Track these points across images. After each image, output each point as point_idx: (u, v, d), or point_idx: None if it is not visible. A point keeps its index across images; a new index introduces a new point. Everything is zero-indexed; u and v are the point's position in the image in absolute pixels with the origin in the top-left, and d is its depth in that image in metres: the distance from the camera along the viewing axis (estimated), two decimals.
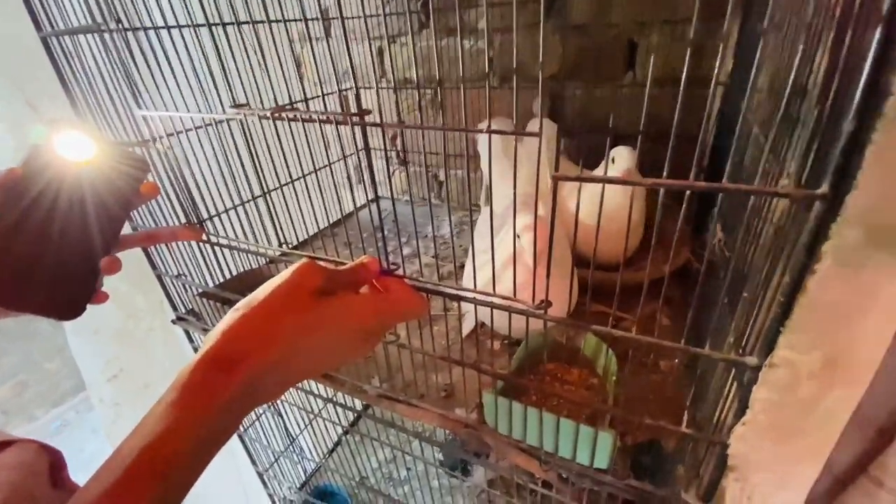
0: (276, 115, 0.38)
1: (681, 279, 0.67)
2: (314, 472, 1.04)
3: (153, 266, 0.72)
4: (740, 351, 0.34)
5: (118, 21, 0.46)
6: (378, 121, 0.37)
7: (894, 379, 0.50)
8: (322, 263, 0.36)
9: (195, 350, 0.81)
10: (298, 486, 1.02)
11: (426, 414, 0.53)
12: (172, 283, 0.74)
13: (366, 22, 0.99)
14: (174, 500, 0.27)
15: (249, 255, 0.68)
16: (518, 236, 0.49)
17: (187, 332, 0.80)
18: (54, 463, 0.40)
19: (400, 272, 0.42)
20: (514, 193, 0.37)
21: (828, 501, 0.58)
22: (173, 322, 0.76)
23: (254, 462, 0.97)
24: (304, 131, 0.46)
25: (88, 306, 0.41)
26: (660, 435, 0.46)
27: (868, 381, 0.31)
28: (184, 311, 0.76)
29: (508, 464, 0.58)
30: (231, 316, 0.32)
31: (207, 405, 0.28)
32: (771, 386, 0.32)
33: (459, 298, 0.42)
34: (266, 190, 0.51)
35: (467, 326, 0.64)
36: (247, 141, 0.44)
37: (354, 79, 0.39)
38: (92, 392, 0.88)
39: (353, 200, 0.89)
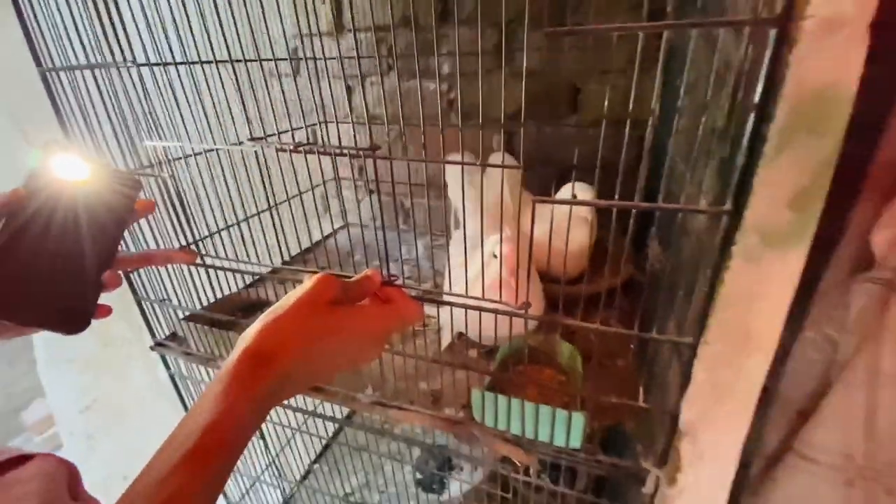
0: (294, 148, 0.44)
1: (626, 291, 0.78)
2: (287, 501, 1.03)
3: (133, 291, 0.73)
4: (679, 334, 0.44)
5: (133, 59, 0.50)
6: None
7: (809, 365, 0.62)
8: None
9: (171, 377, 0.81)
10: None
11: (417, 416, 0.58)
12: (152, 307, 0.74)
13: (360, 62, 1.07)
14: (226, 475, 0.31)
15: (232, 277, 0.72)
16: (495, 255, 0.57)
17: (164, 358, 0.79)
18: (71, 475, 0.42)
19: (398, 283, 0.48)
20: (502, 217, 0.45)
21: (762, 478, 0.68)
22: (151, 348, 0.76)
23: (224, 494, 0.95)
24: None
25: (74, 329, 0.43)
26: (621, 416, 0.54)
27: (774, 347, 0.41)
28: (162, 336, 0.77)
29: (493, 457, 0.64)
30: (264, 319, 0.37)
31: (252, 393, 0.33)
32: (706, 359, 0.41)
33: (452, 304, 0.49)
34: (273, 204, 0.56)
35: (446, 339, 0.71)
36: (259, 170, 0.49)
37: (368, 117, 0.46)
38: (61, 426, 0.83)
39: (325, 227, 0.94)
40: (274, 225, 0.53)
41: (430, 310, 0.72)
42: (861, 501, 0.58)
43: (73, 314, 0.41)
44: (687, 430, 0.45)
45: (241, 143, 0.48)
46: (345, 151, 0.43)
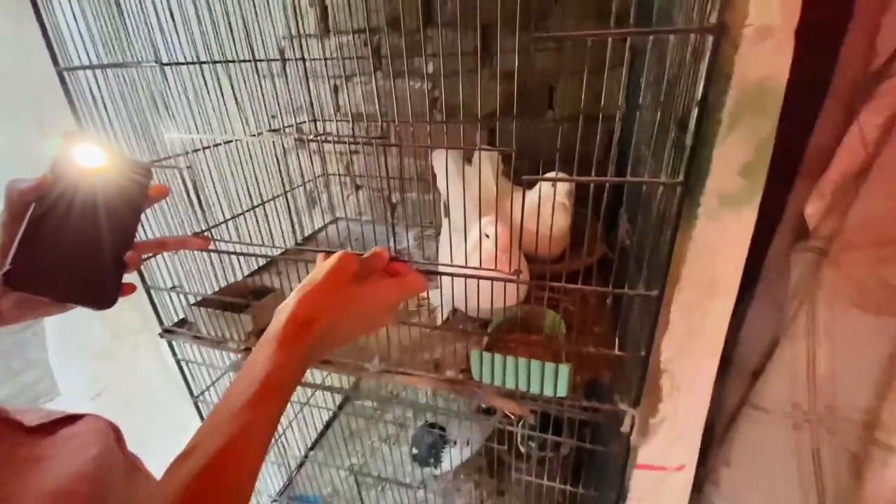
0: (314, 138, 0.49)
1: (599, 269, 0.86)
2: (288, 484, 1.08)
3: (143, 280, 0.76)
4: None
5: (157, 59, 0.55)
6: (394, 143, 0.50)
7: (761, 331, 0.72)
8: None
9: (178, 362, 0.85)
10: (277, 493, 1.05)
11: (421, 379, 0.64)
12: (160, 295, 0.78)
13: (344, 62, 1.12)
14: (278, 415, 0.37)
15: (237, 267, 0.76)
16: (487, 234, 0.64)
17: (171, 345, 0.83)
18: (117, 433, 0.46)
19: (405, 258, 0.55)
20: (497, 203, 0.52)
21: (724, 432, 0.78)
22: (161, 335, 0.79)
23: None
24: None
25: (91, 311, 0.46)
26: (600, 369, 0.62)
27: (735, 292, 0.48)
28: (171, 323, 0.80)
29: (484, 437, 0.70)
30: (300, 290, 0.42)
31: (297, 351, 0.39)
32: (680, 304, 0.49)
33: (453, 275, 0.56)
34: (289, 189, 0.61)
35: (445, 311, 0.78)
36: (277, 160, 0.55)
37: (380, 113, 0.52)
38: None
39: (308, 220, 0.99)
40: (289, 209, 0.59)
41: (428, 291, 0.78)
42: (808, 442, 0.68)
43: (100, 289, 0.45)
44: (665, 368, 0.53)
45: (260, 134, 0.53)
46: (358, 140, 0.49)
